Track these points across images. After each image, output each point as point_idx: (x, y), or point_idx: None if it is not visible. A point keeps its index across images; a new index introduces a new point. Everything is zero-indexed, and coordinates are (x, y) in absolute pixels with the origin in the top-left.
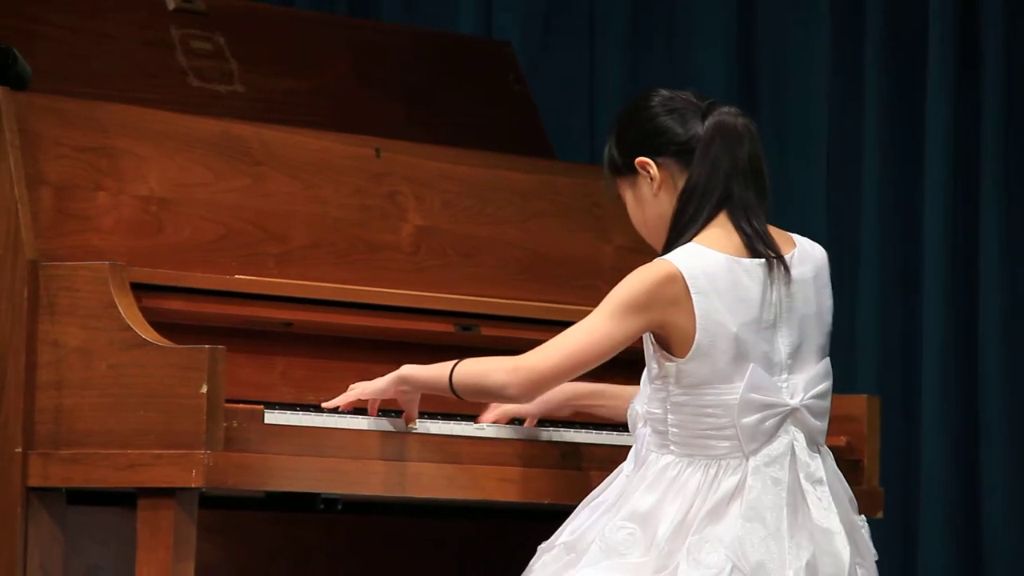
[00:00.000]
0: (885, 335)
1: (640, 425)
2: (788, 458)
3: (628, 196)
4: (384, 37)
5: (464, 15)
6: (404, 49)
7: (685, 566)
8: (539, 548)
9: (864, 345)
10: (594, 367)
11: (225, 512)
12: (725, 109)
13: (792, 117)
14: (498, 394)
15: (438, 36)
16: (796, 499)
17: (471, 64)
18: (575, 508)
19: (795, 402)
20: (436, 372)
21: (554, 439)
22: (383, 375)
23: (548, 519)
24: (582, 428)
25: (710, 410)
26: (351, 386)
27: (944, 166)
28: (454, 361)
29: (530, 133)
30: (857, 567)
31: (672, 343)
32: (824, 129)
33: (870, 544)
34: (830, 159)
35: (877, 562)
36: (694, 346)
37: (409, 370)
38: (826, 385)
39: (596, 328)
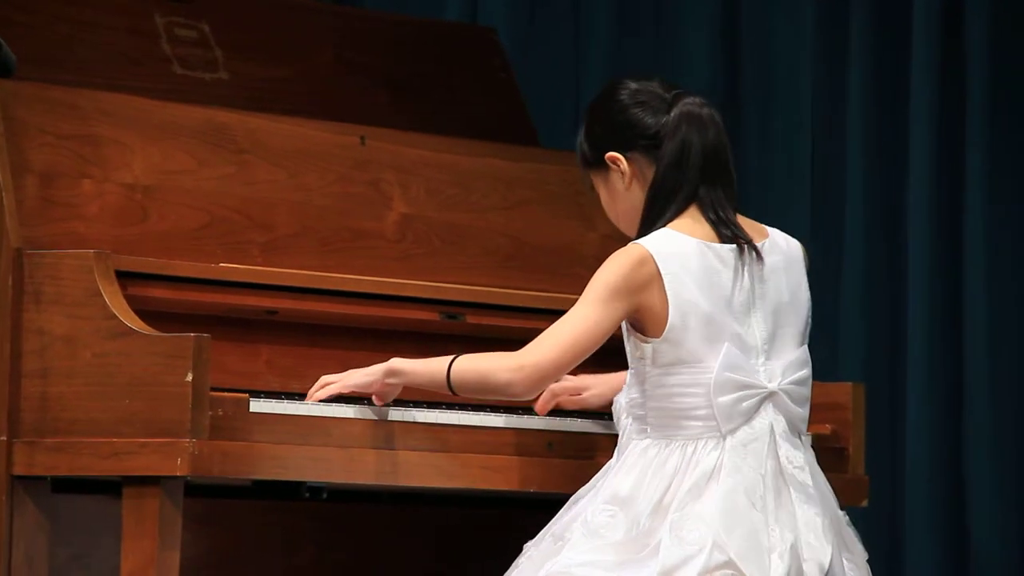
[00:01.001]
0: (870, 323)
1: (623, 417)
2: (768, 440)
3: (601, 188)
4: (369, 24)
5: (450, 1)
6: (389, 36)
7: (667, 542)
8: (525, 546)
9: (849, 333)
10: (590, 355)
11: (211, 500)
12: (690, 100)
13: (777, 106)
14: (502, 393)
15: (423, 23)
16: (778, 482)
17: (456, 51)
18: (561, 496)
19: (773, 385)
20: (430, 368)
21: (541, 427)
22: (367, 363)
23: (536, 507)
24: (568, 416)
25: (686, 390)
26: (324, 378)
27: (928, 156)
28: (449, 357)
29: (515, 120)
30: (846, 562)
31: (647, 325)
32: (808, 119)
33: (860, 544)
34: (815, 148)
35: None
36: (668, 325)
37: (399, 364)
38: (805, 372)
39: (587, 316)
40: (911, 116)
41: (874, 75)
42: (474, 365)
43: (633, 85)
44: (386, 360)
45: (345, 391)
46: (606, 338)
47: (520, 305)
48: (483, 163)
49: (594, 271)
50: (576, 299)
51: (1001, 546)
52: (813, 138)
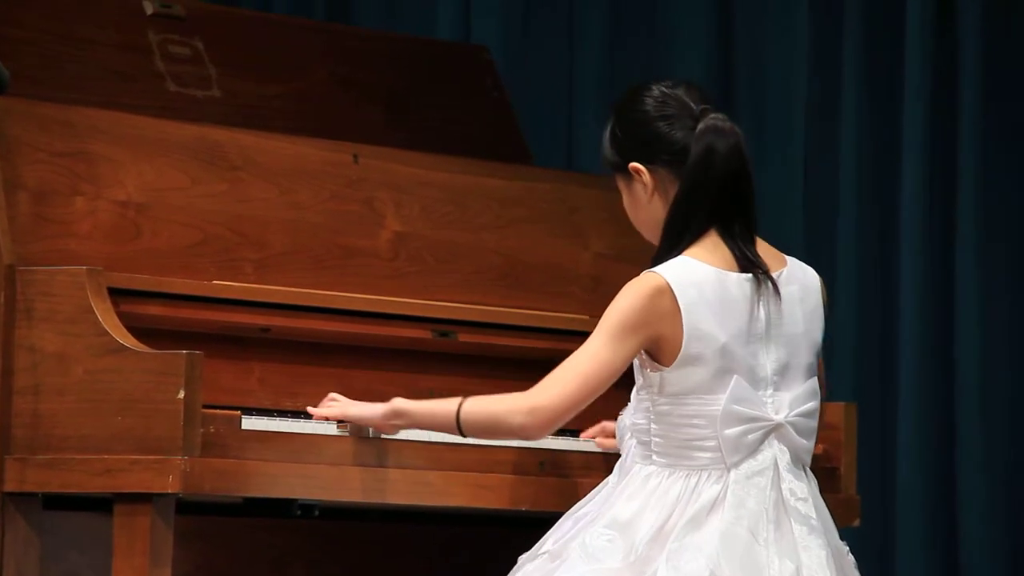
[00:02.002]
0: (862, 342)
1: (627, 437)
2: (772, 473)
3: (624, 191)
4: (362, 42)
5: (443, 19)
6: (382, 54)
7: (664, 572)
8: (520, 559)
9: (841, 352)
10: (604, 392)
11: (202, 518)
12: (716, 116)
13: (770, 120)
14: (516, 436)
15: (416, 41)
16: (780, 515)
17: (449, 69)
18: (553, 514)
19: (780, 418)
20: (437, 410)
21: (533, 446)
22: (359, 381)
23: (526, 526)
24: (559, 435)
25: (692, 420)
26: (333, 396)
27: (922, 170)
28: (456, 400)
29: (508, 138)
30: None
31: (661, 354)
32: (801, 131)
33: (856, 572)
34: (807, 161)
35: None
36: (680, 355)
37: (404, 405)
38: (813, 404)
39: (598, 353)
40: (904, 129)
41: (868, 86)
42: (485, 408)
43: (660, 92)
44: (378, 377)
45: (343, 419)
46: (620, 374)
47: (513, 323)
48: (476, 181)
49: (586, 289)
50: (568, 317)
51: (991, 565)
52: (806, 151)
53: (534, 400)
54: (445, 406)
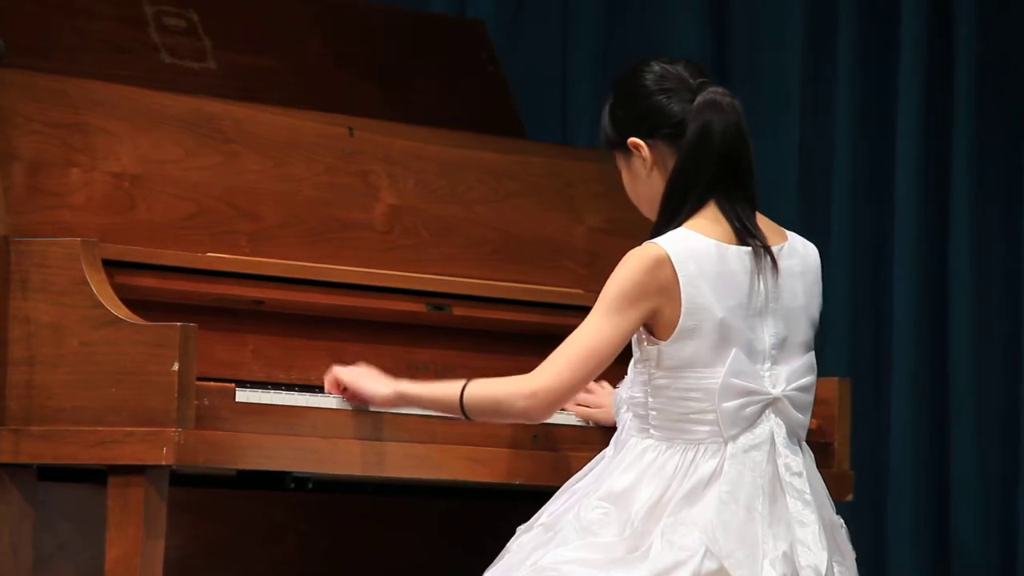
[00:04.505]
0: (856, 316)
1: (623, 410)
2: (768, 447)
3: (623, 170)
4: (357, 15)
5: None
6: (377, 27)
7: (659, 546)
8: (518, 529)
9: (834, 327)
10: (607, 367)
11: (196, 490)
12: (715, 89)
13: (765, 94)
14: (518, 419)
15: (412, 15)
16: (775, 489)
17: (444, 43)
18: (547, 488)
19: (777, 391)
20: (439, 394)
21: None
22: (353, 354)
23: (520, 499)
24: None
25: (691, 394)
26: (338, 370)
27: (917, 146)
28: (460, 383)
29: (502, 112)
30: (836, 566)
31: (657, 327)
32: (797, 105)
33: (849, 544)
34: (803, 137)
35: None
36: (677, 328)
37: (407, 389)
38: (810, 379)
39: (599, 330)
40: (899, 104)
41: (862, 59)
42: (488, 392)
43: (659, 68)
44: (372, 350)
45: (352, 389)
46: (620, 349)
47: (507, 297)
48: (471, 155)
49: (581, 263)
50: (562, 291)
51: (984, 540)
52: (801, 125)
53: (536, 383)
54: (448, 390)
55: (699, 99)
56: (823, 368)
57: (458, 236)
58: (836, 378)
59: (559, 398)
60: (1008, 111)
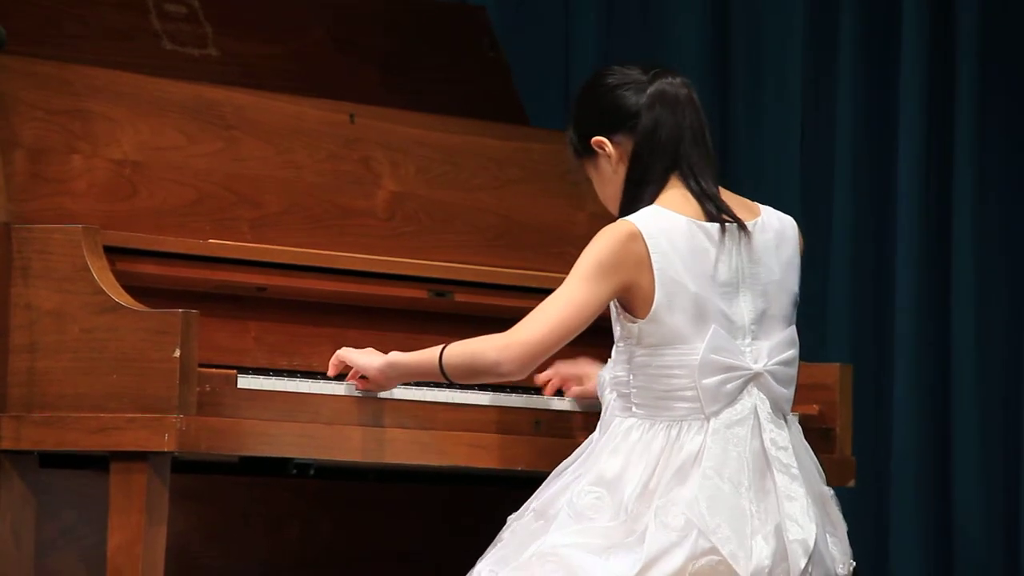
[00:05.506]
0: (858, 302)
1: (607, 392)
2: (751, 422)
3: (593, 176)
4: (359, 2)
5: None
6: (379, 14)
7: (653, 529)
8: (509, 519)
9: (836, 314)
10: (579, 333)
11: (198, 476)
12: (668, 79)
13: (767, 86)
14: (492, 372)
15: (414, 2)
16: (761, 464)
17: (446, 29)
18: (548, 475)
19: (759, 367)
20: (423, 357)
21: (528, 406)
22: (356, 341)
23: (522, 485)
24: (556, 395)
25: (671, 371)
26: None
27: (918, 131)
28: (440, 346)
29: (504, 99)
30: (828, 535)
31: (635, 304)
32: (798, 99)
33: (840, 515)
34: (804, 129)
35: (849, 532)
36: (654, 306)
37: (396, 356)
38: (792, 353)
39: (575, 294)
40: (900, 96)
41: (864, 56)
42: (463, 348)
43: (615, 69)
44: (374, 337)
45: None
46: (595, 316)
47: (508, 283)
48: (473, 141)
49: (582, 250)
50: (564, 278)
51: (986, 525)
52: (803, 119)
53: (509, 337)
54: (430, 353)
55: (651, 87)
56: (825, 354)
57: (460, 222)
58: (837, 364)
59: (532, 353)
60: (1011, 105)
